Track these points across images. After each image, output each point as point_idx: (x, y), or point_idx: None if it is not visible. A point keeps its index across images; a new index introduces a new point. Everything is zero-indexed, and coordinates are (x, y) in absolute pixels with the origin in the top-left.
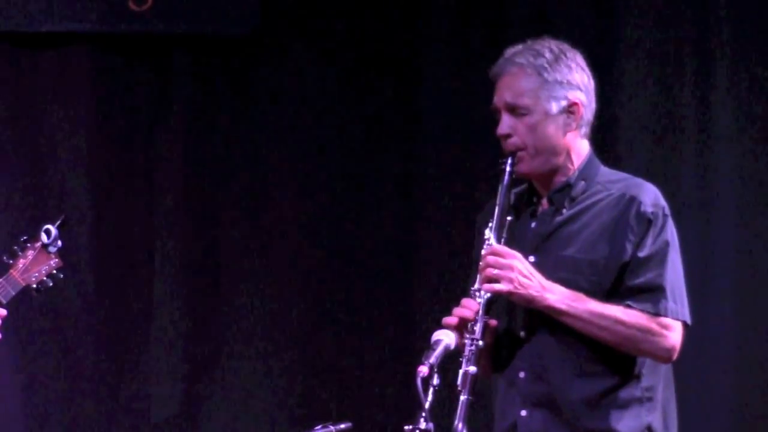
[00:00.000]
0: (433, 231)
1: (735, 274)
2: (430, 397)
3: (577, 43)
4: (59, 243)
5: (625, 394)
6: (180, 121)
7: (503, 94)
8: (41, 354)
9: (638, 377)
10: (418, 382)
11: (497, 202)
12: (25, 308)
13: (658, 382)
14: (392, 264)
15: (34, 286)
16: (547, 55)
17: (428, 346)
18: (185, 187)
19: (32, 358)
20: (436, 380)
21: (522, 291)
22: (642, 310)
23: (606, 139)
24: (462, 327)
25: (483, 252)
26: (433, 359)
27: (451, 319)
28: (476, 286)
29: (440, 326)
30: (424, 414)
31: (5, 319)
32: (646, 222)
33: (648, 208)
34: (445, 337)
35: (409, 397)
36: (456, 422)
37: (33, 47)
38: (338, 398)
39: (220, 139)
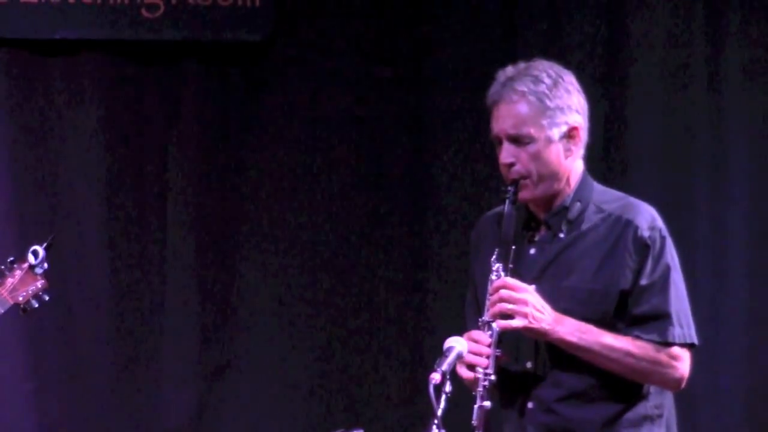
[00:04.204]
0: (447, 248)
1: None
2: (442, 405)
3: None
4: (45, 265)
5: (635, 414)
6: (192, 128)
7: (504, 124)
8: (52, 359)
9: (646, 396)
10: (431, 389)
11: (502, 231)
12: (36, 314)
13: (665, 398)
14: (405, 271)
15: (21, 306)
16: (546, 80)
17: (441, 353)
18: (198, 194)
19: (43, 363)
20: (448, 387)
21: (536, 325)
22: (650, 341)
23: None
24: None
25: (493, 284)
26: (445, 366)
27: (472, 358)
28: (486, 318)
29: (452, 333)
30: (436, 421)
31: None
32: (644, 247)
33: (645, 232)
34: (458, 344)
35: (421, 403)
36: None
37: (47, 54)
38: (351, 404)
39: (233, 146)
